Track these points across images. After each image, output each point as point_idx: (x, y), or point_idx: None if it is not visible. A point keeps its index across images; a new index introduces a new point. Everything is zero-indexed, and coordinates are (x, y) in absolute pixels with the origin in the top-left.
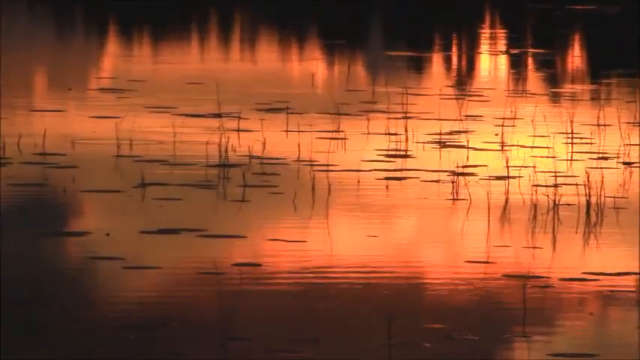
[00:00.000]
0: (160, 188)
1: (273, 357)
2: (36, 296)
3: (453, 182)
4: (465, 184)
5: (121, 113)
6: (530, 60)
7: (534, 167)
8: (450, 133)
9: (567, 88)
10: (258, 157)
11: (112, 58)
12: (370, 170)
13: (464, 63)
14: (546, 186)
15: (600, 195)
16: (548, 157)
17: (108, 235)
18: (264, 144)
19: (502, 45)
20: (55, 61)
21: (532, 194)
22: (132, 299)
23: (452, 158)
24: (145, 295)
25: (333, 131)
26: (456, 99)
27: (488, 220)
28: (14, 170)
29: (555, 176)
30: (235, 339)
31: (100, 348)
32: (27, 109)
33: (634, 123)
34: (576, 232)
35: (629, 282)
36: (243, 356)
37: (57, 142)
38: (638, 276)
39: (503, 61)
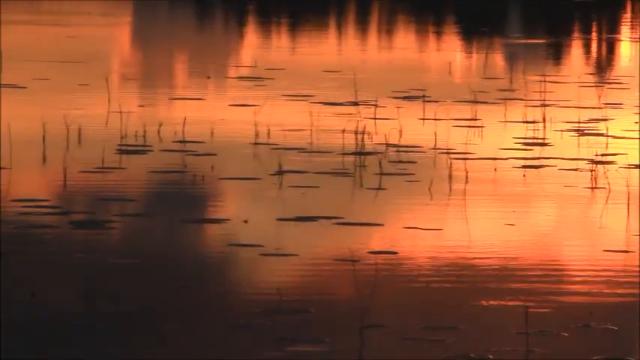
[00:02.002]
0: (297, 176)
1: (410, 345)
2: (176, 283)
3: (591, 171)
4: (604, 173)
5: (259, 101)
6: None
7: None
8: (589, 121)
9: None
10: (395, 145)
11: (251, 47)
12: (507, 158)
13: (603, 50)
14: None
15: None
16: None
17: (246, 222)
18: (400, 132)
19: None
20: (195, 50)
21: None
22: (270, 286)
23: (591, 146)
24: (283, 282)
25: (469, 119)
26: (595, 86)
27: (628, 209)
28: (154, 157)
29: None
30: (371, 326)
31: (238, 333)
32: (167, 97)
33: None
34: None
35: None
36: (379, 343)
37: (196, 129)
38: None
39: None
